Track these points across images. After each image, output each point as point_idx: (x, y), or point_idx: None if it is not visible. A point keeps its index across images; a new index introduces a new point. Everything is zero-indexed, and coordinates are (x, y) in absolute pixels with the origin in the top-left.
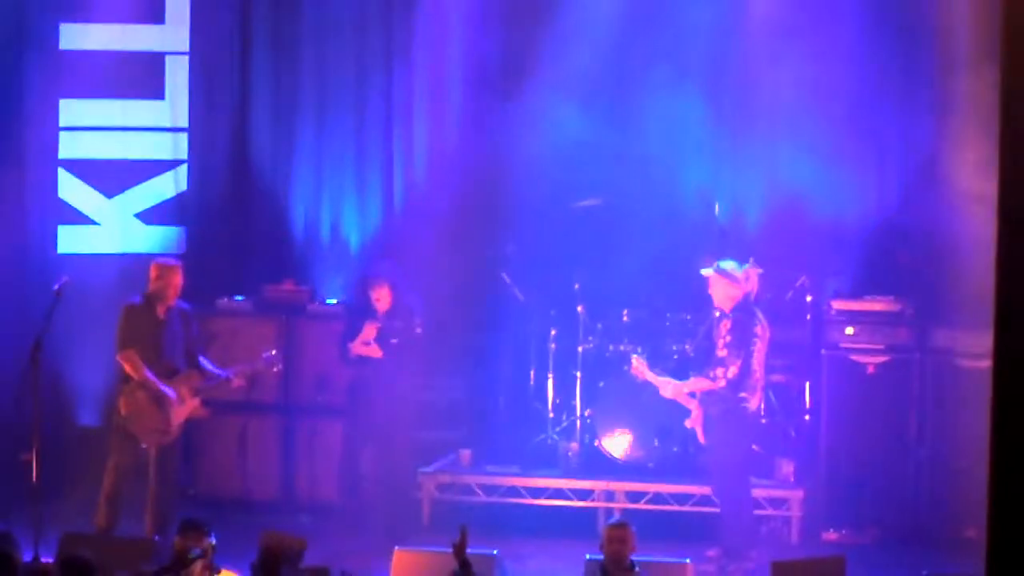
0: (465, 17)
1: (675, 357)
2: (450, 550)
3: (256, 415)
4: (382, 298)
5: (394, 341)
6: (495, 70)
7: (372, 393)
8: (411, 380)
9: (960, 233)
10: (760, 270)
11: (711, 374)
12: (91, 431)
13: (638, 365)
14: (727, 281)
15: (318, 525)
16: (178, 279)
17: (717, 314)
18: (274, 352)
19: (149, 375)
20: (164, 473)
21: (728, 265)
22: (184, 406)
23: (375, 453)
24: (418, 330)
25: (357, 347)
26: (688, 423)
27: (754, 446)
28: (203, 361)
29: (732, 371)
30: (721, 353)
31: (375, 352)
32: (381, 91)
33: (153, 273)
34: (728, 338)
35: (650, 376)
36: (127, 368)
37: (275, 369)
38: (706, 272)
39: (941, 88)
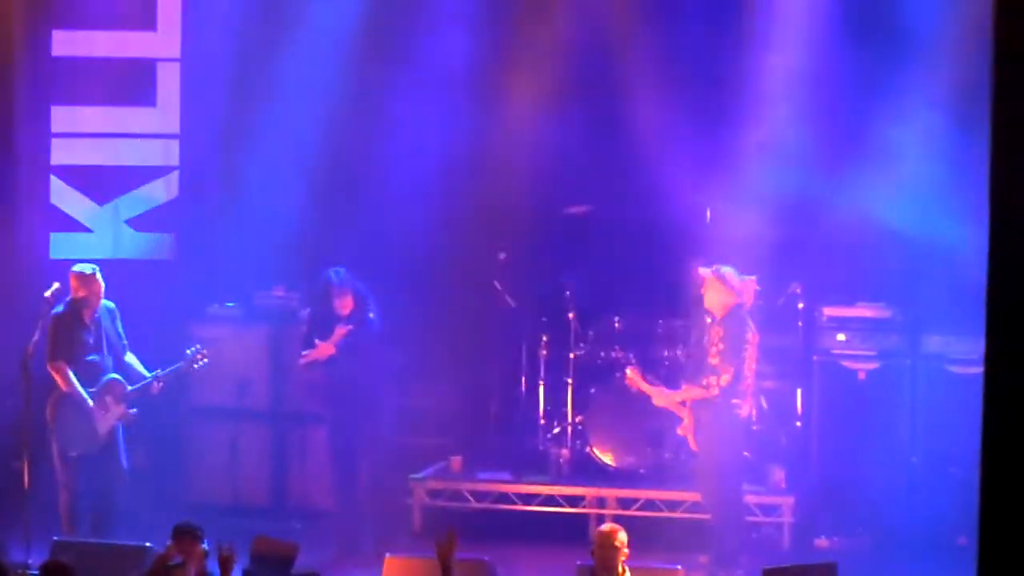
0: (453, 22)
1: (666, 364)
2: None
3: (247, 422)
4: (346, 306)
5: (350, 327)
6: (484, 75)
7: (347, 394)
8: (385, 382)
9: (952, 239)
10: (758, 287)
11: (704, 382)
12: None
13: (632, 375)
14: (724, 287)
15: (309, 531)
16: (98, 285)
17: (708, 320)
18: (197, 347)
19: (75, 386)
20: (105, 480)
21: (727, 271)
22: (110, 414)
23: (361, 457)
24: (371, 315)
25: (310, 356)
26: (679, 431)
27: (745, 452)
28: (128, 360)
29: (725, 379)
30: (713, 361)
31: (327, 350)
32: (371, 97)
33: (73, 284)
34: (721, 346)
35: (643, 386)
36: (56, 378)
37: (197, 365)
38: (704, 272)
39: (931, 93)
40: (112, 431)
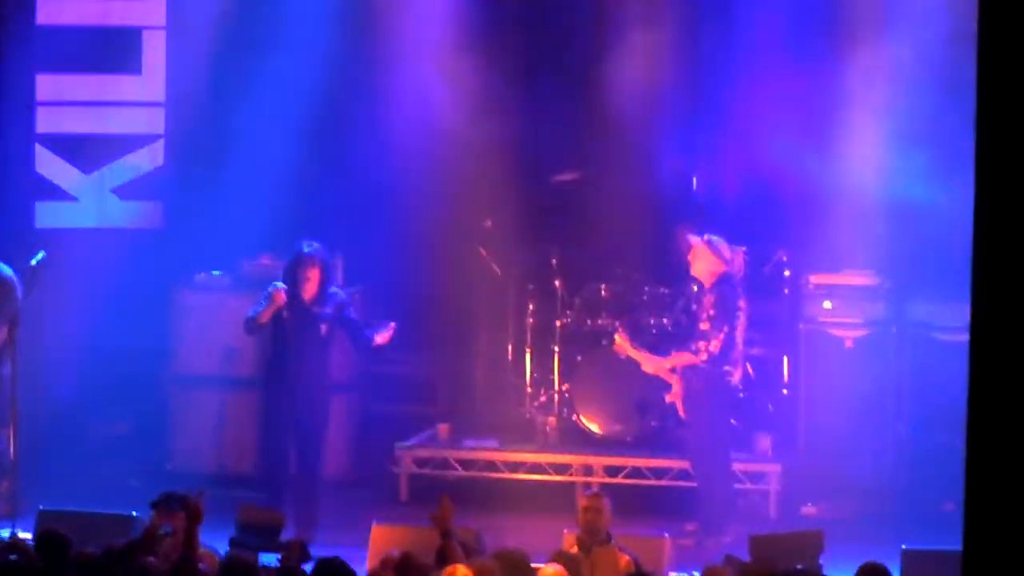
0: None
1: (653, 331)
2: (429, 525)
3: (233, 390)
4: (311, 279)
5: (324, 327)
6: (472, 42)
7: (290, 368)
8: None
9: (937, 206)
10: (746, 256)
11: (693, 348)
12: (67, 407)
13: (621, 342)
14: (713, 255)
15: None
16: None
17: (695, 288)
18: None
19: None
20: None
21: (717, 240)
22: None
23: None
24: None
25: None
26: (669, 398)
27: (732, 420)
28: None
29: (714, 345)
30: (704, 327)
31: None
32: (359, 65)
33: None
34: (712, 312)
35: (632, 352)
36: None
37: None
38: (694, 240)
39: (916, 58)
40: None
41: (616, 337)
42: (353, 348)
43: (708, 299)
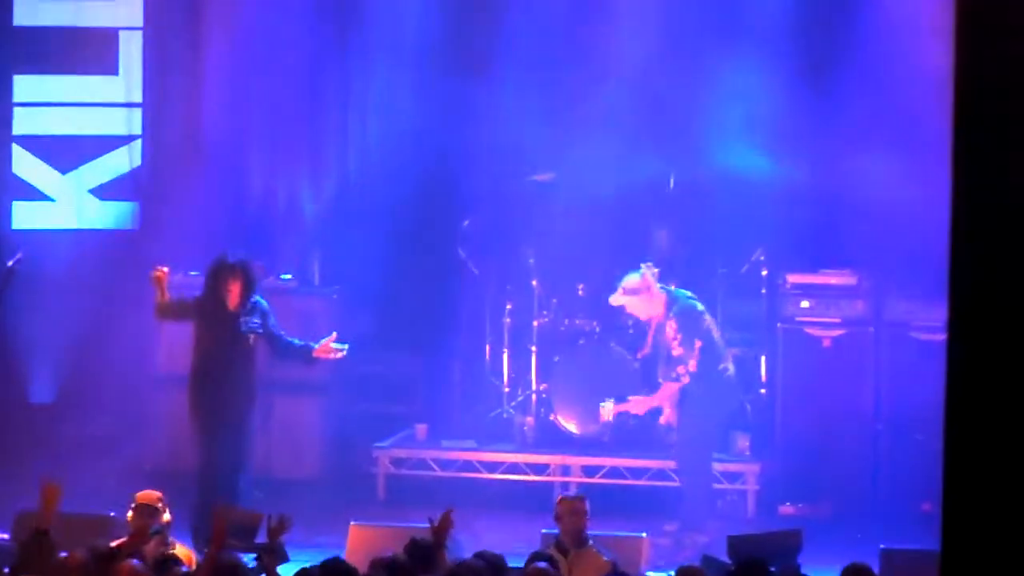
0: None
1: (631, 331)
2: (406, 525)
3: None
4: (232, 291)
5: (252, 338)
6: (450, 43)
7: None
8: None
9: (915, 205)
10: (655, 269)
11: (673, 375)
12: (44, 408)
13: (608, 408)
14: (641, 295)
15: (272, 500)
16: None
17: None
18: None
19: None
20: None
21: (631, 281)
22: None
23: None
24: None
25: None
26: (662, 420)
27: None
28: None
29: (692, 364)
30: (677, 352)
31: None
32: (336, 65)
33: None
34: (679, 336)
35: (621, 408)
36: None
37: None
38: (617, 301)
39: (892, 56)
40: None
41: (602, 411)
42: (281, 358)
43: (671, 326)
